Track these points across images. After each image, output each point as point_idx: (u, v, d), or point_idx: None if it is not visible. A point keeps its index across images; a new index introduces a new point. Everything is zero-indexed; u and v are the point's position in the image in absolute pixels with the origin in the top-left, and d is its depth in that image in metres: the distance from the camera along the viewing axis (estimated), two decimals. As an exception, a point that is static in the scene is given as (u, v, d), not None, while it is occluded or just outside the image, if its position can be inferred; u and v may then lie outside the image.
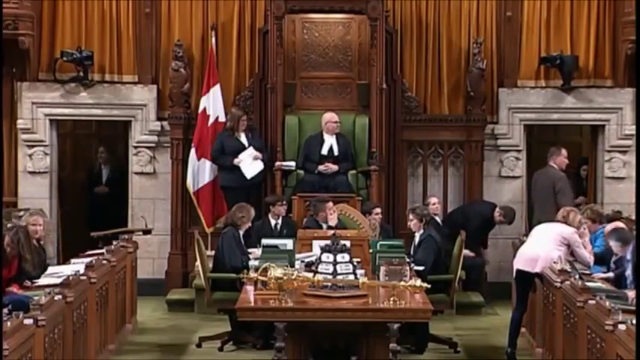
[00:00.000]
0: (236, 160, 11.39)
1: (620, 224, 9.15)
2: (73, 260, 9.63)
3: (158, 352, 9.47)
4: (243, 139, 11.56)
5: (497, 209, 11.70)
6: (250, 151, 11.45)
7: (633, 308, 7.05)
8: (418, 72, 12.49)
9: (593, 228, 9.50)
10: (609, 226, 9.14)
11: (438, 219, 11.49)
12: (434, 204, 11.58)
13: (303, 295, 7.24)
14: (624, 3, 12.09)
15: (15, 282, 8.21)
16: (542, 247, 8.83)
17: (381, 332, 7.02)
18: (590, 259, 8.92)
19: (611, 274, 8.75)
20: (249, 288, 7.60)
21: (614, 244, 8.61)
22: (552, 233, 8.91)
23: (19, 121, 12.30)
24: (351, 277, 7.27)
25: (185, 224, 12.13)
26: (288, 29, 12.01)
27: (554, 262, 8.51)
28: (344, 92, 12.11)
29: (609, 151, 12.35)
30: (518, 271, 9.01)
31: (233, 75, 12.41)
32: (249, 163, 11.42)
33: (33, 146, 12.30)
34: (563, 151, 11.88)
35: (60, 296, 7.13)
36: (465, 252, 10.13)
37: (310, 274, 7.37)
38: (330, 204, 10.36)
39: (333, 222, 10.21)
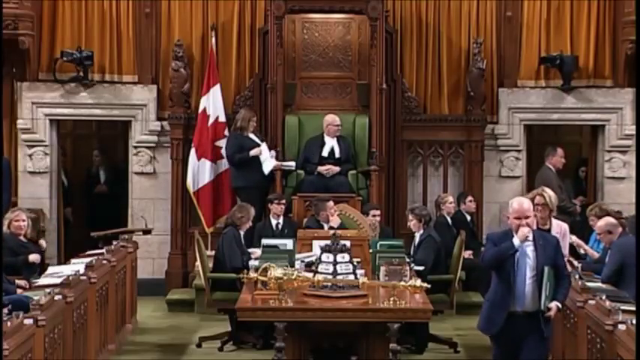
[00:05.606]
0: (254, 151, 11.33)
1: (610, 219, 9.02)
2: (73, 260, 9.65)
3: (158, 352, 9.47)
4: (254, 138, 11.55)
5: None
6: (264, 146, 11.43)
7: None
8: (418, 72, 12.49)
9: (596, 224, 9.46)
10: (600, 222, 9.03)
11: (449, 218, 11.48)
12: (451, 203, 11.57)
13: (303, 295, 7.24)
14: (624, 3, 12.08)
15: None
16: None
17: (381, 332, 7.02)
18: None
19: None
20: (249, 288, 7.60)
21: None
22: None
23: (19, 121, 12.30)
24: (351, 277, 7.27)
25: (185, 224, 12.13)
26: (288, 29, 12.01)
27: None
28: (344, 92, 12.12)
29: (609, 151, 12.34)
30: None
31: (233, 75, 12.41)
32: (266, 157, 11.38)
33: (33, 146, 12.30)
34: (559, 151, 11.85)
35: (60, 296, 7.13)
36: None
37: (310, 274, 7.37)
38: (331, 203, 10.35)
39: (334, 223, 10.19)
